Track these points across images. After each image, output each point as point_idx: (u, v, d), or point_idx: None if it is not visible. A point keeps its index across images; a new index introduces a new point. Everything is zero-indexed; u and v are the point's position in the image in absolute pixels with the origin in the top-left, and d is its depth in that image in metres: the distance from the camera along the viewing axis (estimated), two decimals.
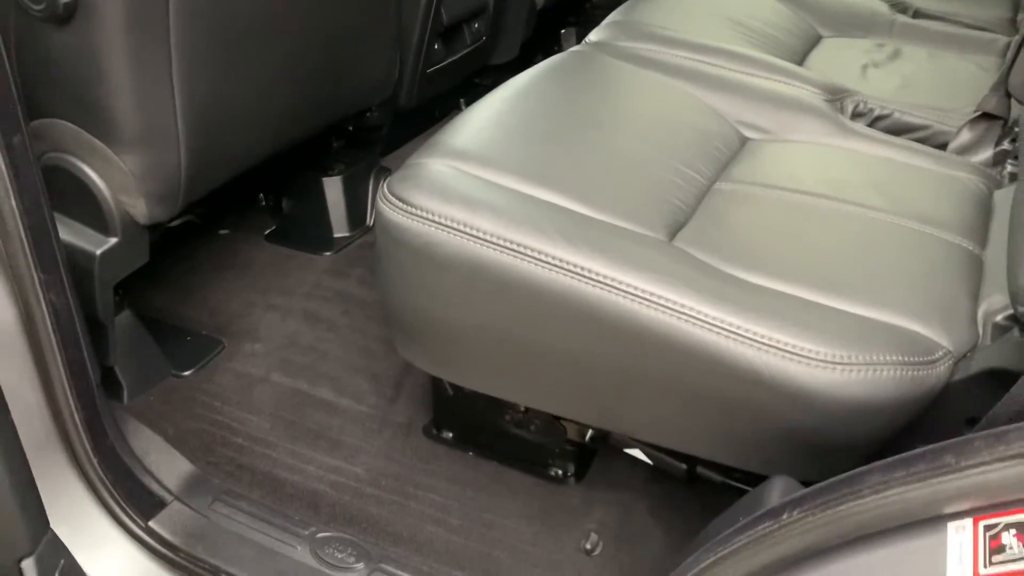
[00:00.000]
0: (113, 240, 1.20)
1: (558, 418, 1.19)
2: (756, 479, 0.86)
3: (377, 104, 1.65)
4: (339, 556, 1.16)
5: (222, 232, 1.75)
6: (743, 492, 0.86)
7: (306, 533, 1.19)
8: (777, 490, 0.78)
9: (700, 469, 1.14)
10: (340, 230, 1.74)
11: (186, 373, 1.42)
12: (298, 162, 1.70)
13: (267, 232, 1.75)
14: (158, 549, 1.17)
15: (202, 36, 1.16)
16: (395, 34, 1.56)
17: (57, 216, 1.17)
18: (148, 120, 1.15)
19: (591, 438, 1.22)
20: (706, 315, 0.85)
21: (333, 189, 1.72)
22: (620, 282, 0.87)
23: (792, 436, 0.86)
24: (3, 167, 0.94)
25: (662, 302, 0.86)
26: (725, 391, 0.86)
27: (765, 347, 0.83)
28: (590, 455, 1.27)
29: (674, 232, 1.02)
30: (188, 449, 1.29)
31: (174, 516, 1.21)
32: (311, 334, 1.50)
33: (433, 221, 0.94)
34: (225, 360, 1.44)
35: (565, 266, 0.89)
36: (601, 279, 0.87)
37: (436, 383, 1.27)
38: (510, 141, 1.11)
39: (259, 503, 1.23)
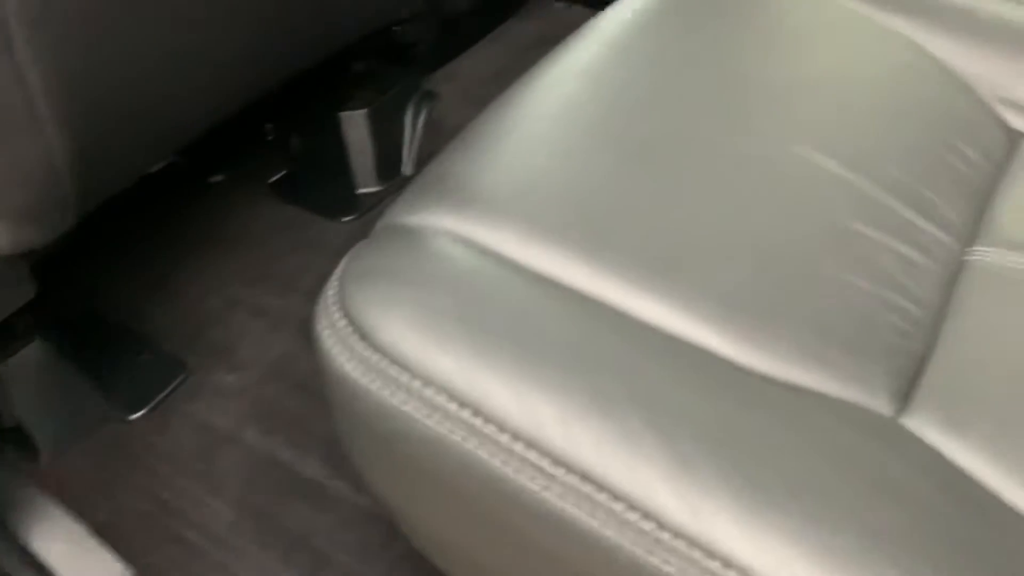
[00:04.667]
0: None
1: None
2: None
3: (411, 15, 1.15)
4: None
5: (214, 180, 1.32)
6: None
7: None
8: None
9: None
10: (366, 183, 1.28)
11: (134, 416, 1.03)
12: (308, 90, 1.23)
13: (272, 180, 1.31)
14: None
15: None
16: None
17: None
18: None
19: None
20: None
21: (355, 128, 1.25)
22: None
23: None
24: None
25: None
26: None
27: None
28: None
29: (907, 386, 0.52)
30: (123, 542, 0.92)
31: None
32: (306, 360, 1.07)
33: (423, 399, 0.47)
34: (187, 398, 1.04)
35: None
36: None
37: None
38: (590, 171, 0.62)
39: None
